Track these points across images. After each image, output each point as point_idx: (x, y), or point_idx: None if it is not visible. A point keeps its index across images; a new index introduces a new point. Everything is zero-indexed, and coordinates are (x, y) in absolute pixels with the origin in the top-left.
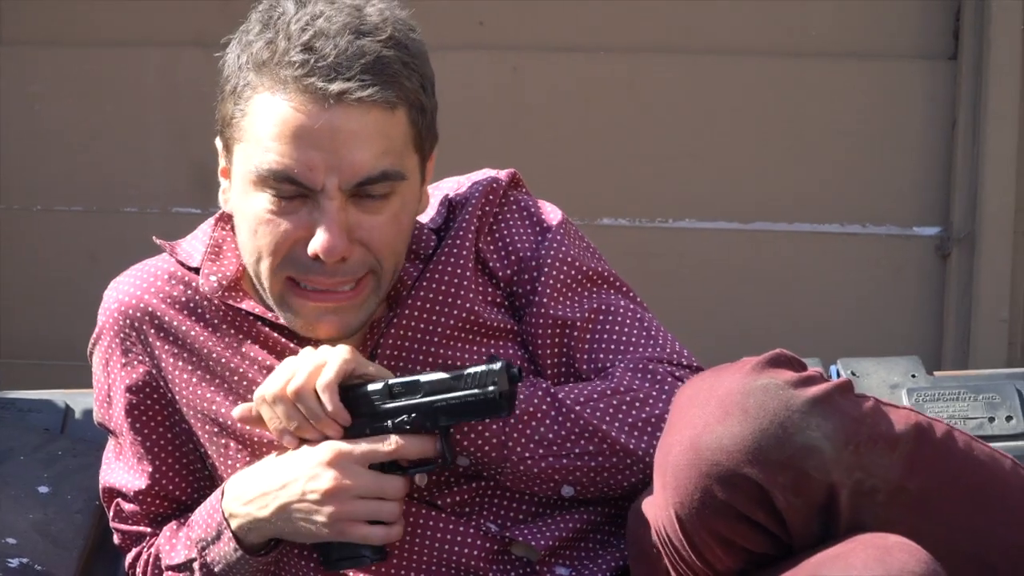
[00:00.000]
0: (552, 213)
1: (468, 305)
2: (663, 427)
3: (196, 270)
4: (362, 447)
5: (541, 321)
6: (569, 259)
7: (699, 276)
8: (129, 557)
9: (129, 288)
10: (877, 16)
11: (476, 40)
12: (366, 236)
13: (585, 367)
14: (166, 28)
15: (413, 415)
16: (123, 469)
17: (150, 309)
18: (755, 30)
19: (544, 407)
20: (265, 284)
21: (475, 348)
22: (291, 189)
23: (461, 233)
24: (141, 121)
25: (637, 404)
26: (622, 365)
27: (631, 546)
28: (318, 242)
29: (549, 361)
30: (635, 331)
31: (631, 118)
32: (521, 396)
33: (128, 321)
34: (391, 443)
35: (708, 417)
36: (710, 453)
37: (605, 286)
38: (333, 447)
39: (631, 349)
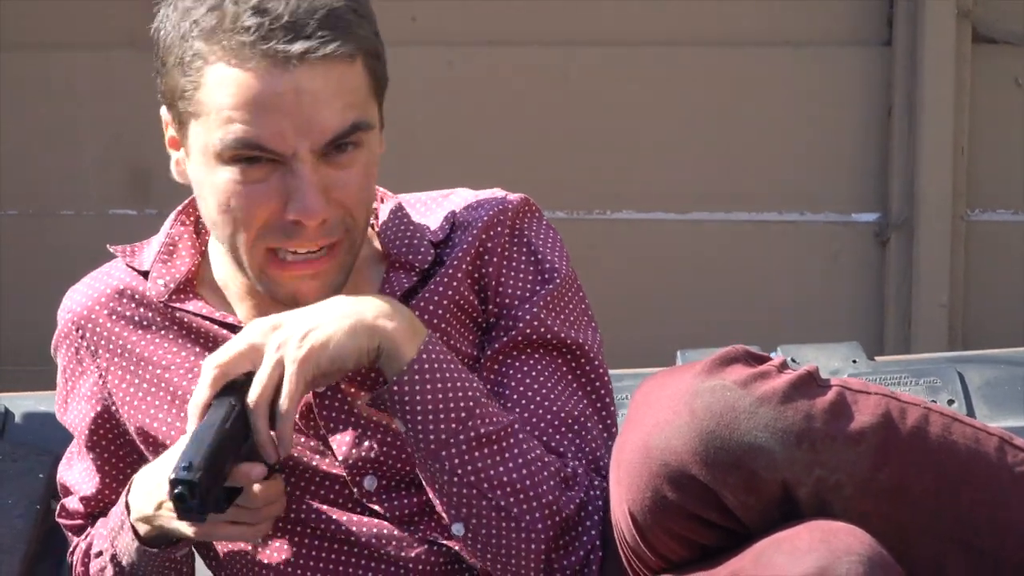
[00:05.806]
0: (559, 258)
1: (446, 339)
2: None
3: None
4: None
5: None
6: (546, 324)
7: (637, 267)
8: (71, 548)
9: (81, 298)
10: (811, 3)
11: (409, 36)
12: (341, 195)
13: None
14: (97, 30)
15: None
16: (78, 471)
17: (101, 321)
18: (689, 20)
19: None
20: (244, 259)
21: None
22: (260, 157)
23: (456, 261)
24: (75, 124)
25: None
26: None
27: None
28: (297, 208)
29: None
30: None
31: (566, 111)
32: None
33: (80, 332)
34: None
35: (657, 417)
36: (659, 453)
37: (557, 355)
38: None
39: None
